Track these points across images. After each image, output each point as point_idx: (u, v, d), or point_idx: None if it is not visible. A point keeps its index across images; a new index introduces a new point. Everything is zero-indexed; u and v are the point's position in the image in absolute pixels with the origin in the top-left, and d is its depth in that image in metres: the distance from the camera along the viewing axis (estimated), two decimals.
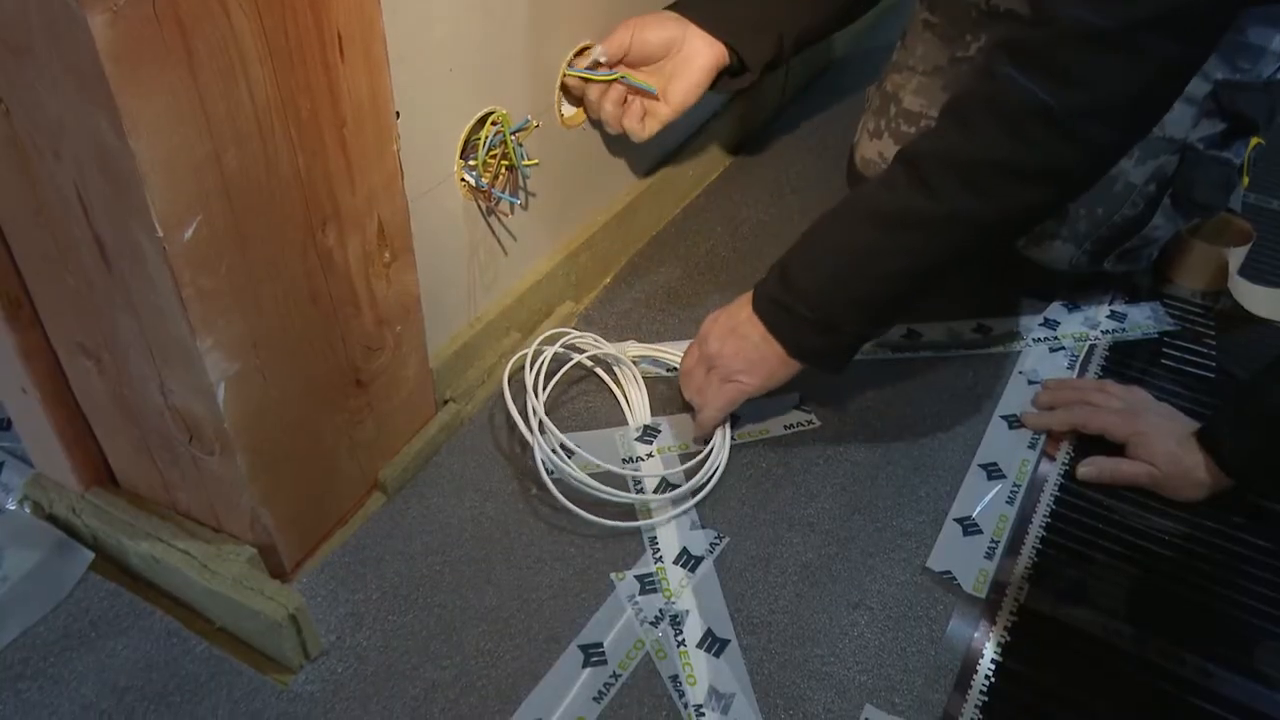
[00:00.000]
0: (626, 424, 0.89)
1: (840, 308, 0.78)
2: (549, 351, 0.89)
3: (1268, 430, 0.79)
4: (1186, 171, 0.93)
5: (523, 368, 0.87)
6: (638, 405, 0.90)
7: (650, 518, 0.80)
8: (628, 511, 0.81)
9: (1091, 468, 0.86)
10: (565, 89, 0.91)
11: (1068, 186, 0.75)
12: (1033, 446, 0.90)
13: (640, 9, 0.92)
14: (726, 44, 0.92)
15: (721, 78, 0.94)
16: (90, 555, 0.75)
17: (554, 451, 0.81)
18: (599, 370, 0.93)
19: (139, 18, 0.47)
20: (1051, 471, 0.87)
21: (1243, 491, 0.83)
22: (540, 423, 0.82)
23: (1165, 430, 0.85)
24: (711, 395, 0.84)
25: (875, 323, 0.81)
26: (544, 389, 0.87)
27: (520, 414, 0.83)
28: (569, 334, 0.92)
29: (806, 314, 0.78)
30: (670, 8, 0.93)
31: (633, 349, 0.94)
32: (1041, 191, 0.73)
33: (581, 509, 0.78)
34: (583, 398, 0.92)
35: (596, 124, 0.97)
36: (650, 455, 0.86)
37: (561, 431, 0.87)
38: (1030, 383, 0.96)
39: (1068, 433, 0.90)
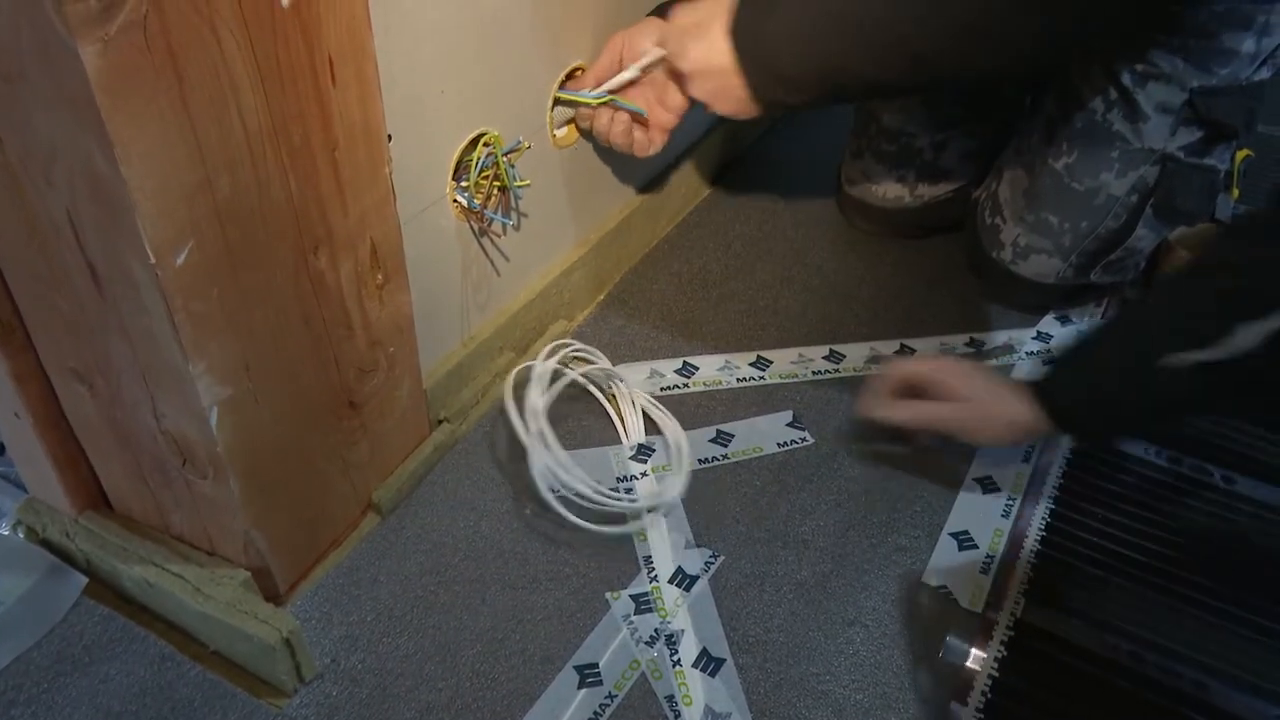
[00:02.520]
0: (620, 442, 0.89)
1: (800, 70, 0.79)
2: (549, 365, 0.88)
3: (1105, 376, 0.77)
4: (1167, 181, 0.93)
5: (523, 381, 0.87)
6: (632, 424, 0.90)
7: (645, 537, 0.80)
8: (622, 530, 0.81)
9: (904, 411, 0.83)
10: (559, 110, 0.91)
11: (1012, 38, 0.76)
12: (1027, 459, 0.90)
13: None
14: None
15: None
16: (84, 579, 0.75)
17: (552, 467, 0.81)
18: (593, 388, 0.93)
19: (130, 46, 0.47)
20: (1047, 483, 0.87)
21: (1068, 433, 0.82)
22: (542, 434, 0.82)
23: (979, 373, 0.83)
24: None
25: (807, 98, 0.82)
26: (543, 404, 0.86)
27: (522, 424, 0.83)
28: (572, 345, 0.92)
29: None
30: (653, 13, 0.93)
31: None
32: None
33: (579, 526, 0.78)
34: (575, 416, 0.92)
35: (589, 142, 0.98)
36: (645, 474, 0.86)
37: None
38: None
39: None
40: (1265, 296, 0.67)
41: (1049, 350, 1.01)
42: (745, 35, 0.80)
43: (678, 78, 0.85)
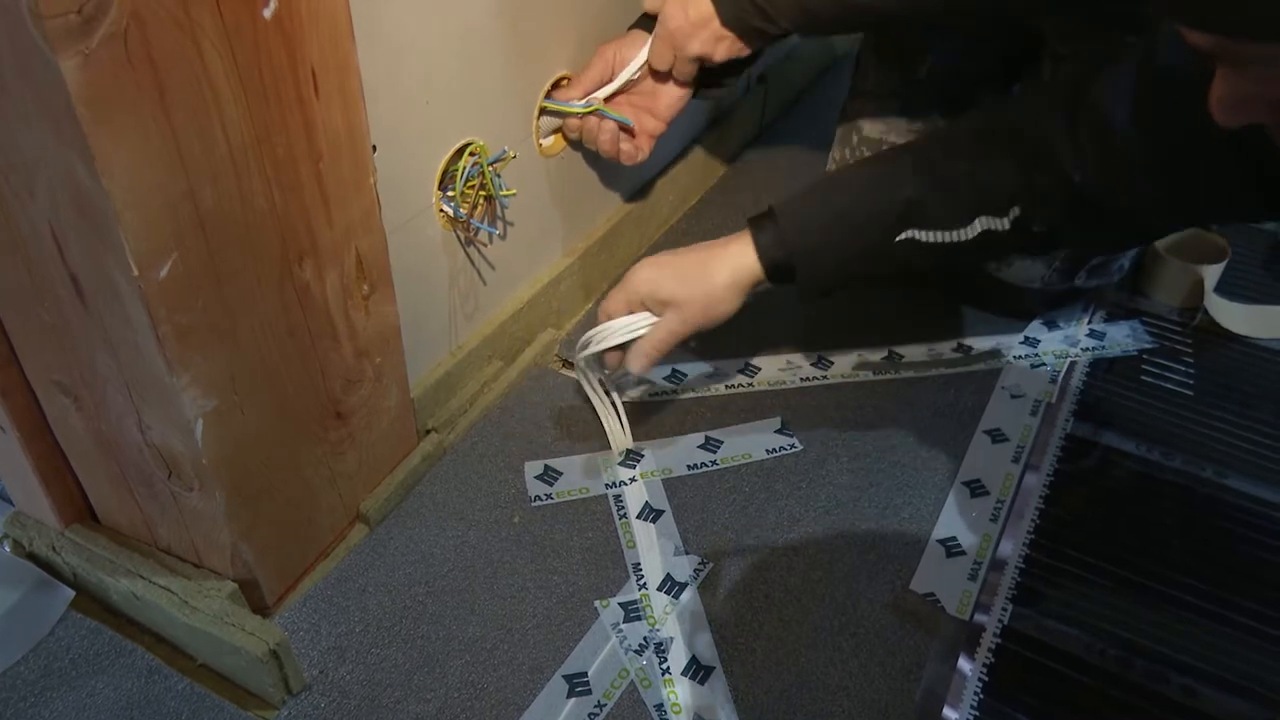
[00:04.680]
0: (609, 448, 0.89)
1: None
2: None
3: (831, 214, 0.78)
4: None
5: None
6: (620, 429, 0.90)
7: (634, 544, 0.80)
8: (611, 538, 0.81)
9: (637, 359, 0.82)
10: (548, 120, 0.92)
11: None
12: (1016, 460, 0.90)
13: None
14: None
15: (698, 86, 0.95)
16: (71, 593, 0.75)
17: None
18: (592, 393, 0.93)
19: (111, 59, 0.47)
20: (1036, 484, 0.88)
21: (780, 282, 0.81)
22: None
23: (663, 269, 0.82)
24: None
25: None
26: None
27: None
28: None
29: None
30: (636, 25, 0.92)
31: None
32: None
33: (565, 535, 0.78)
34: (563, 423, 0.92)
35: (576, 151, 0.98)
36: (634, 479, 0.86)
37: (544, 456, 0.88)
38: (1013, 397, 0.97)
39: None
40: (1006, 195, 0.73)
41: (1037, 355, 1.02)
42: None
43: (673, 44, 0.85)
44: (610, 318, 0.83)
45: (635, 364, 0.83)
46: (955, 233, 0.75)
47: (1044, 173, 0.72)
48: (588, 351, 0.84)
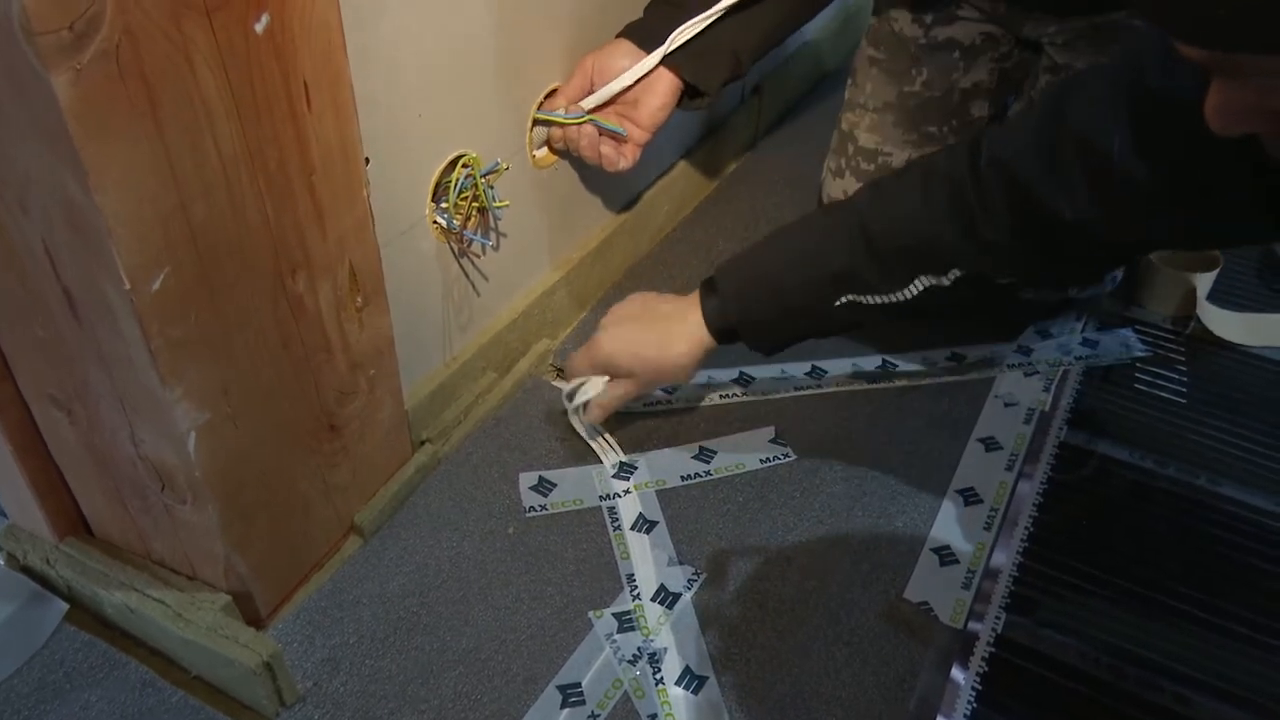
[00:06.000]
0: (602, 461, 0.89)
1: None
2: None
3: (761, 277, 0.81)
4: None
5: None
6: (612, 443, 0.90)
7: (628, 555, 0.81)
8: (605, 549, 0.81)
9: (592, 413, 0.88)
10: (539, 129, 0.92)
11: None
12: (1010, 468, 0.90)
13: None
14: (677, 74, 0.92)
15: (683, 98, 0.95)
16: (65, 606, 0.75)
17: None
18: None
19: (103, 75, 0.48)
20: (1029, 493, 0.88)
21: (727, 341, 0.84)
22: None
23: (625, 343, 0.86)
24: None
25: None
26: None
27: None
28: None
29: None
30: (622, 34, 0.93)
31: None
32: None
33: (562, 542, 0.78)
34: (557, 436, 0.92)
35: (570, 163, 0.98)
36: (628, 491, 0.86)
37: (538, 467, 0.88)
38: (1007, 405, 0.97)
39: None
40: (944, 258, 0.74)
41: (1030, 363, 1.02)
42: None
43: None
44: (575, 375, 0.89)
45: (590, 418, 0.89)
46: (896, 294, 0.76)
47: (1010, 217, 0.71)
48: (570, 404, 0.90)
